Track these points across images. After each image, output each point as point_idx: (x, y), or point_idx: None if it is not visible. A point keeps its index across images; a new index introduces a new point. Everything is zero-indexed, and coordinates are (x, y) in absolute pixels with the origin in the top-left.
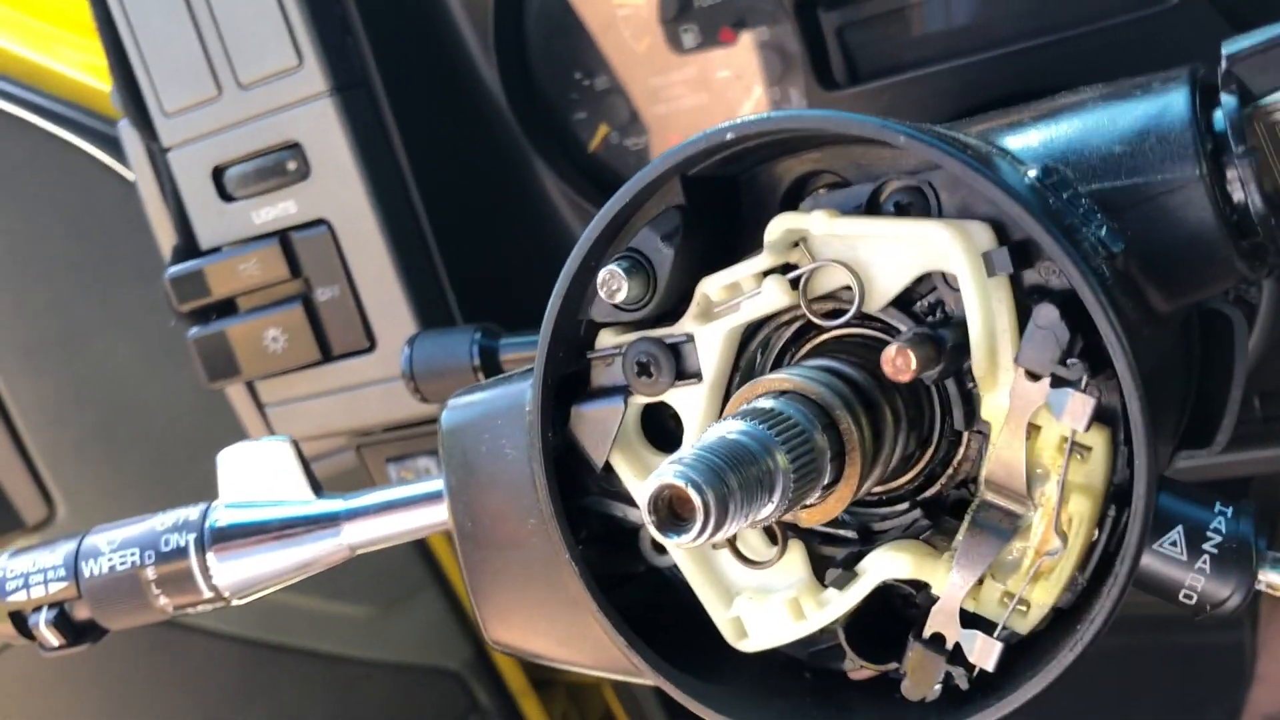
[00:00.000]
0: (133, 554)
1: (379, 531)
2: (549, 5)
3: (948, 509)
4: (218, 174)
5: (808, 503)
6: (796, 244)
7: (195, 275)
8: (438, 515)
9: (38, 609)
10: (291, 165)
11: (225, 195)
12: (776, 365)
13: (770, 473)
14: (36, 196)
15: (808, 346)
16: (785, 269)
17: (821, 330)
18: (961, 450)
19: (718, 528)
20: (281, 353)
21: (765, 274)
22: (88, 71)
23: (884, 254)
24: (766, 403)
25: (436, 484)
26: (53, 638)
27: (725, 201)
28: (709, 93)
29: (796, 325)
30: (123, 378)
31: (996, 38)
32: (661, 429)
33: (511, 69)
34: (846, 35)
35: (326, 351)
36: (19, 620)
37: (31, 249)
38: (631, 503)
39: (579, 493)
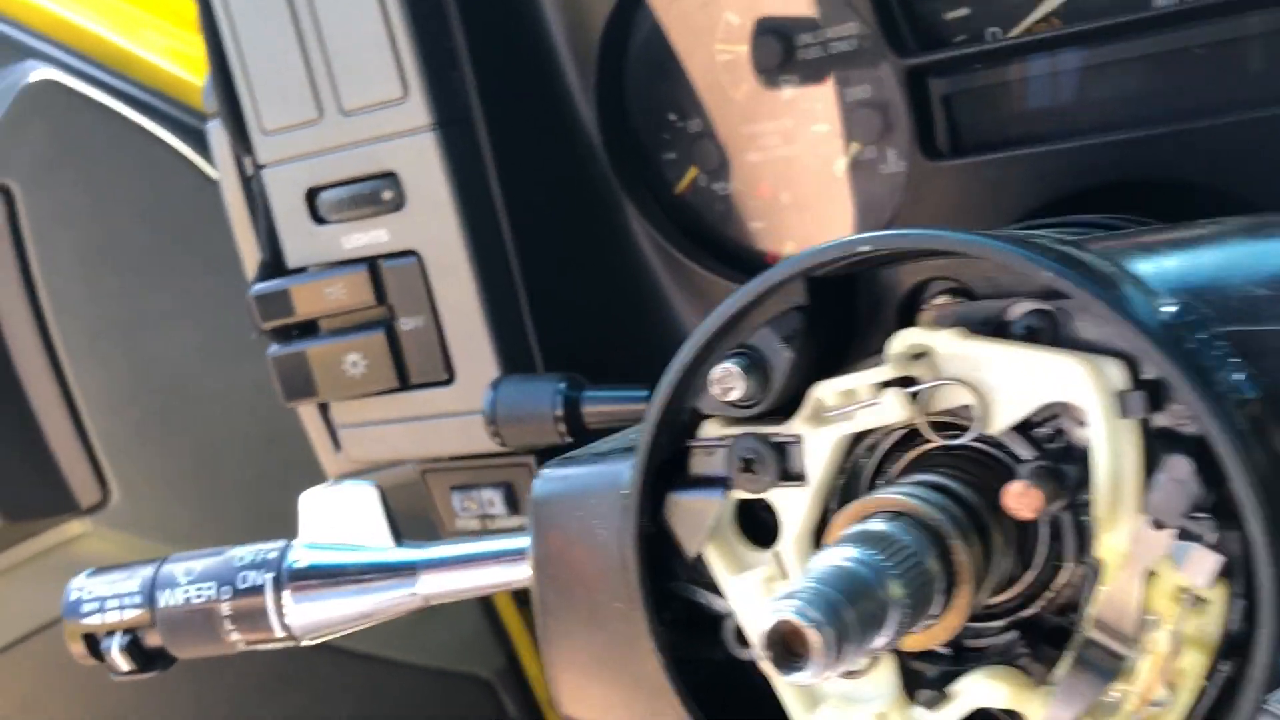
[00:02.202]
0: (209, 588)
1: (455, 585)
2: (650, 46)
3: (1045, 635)
4: (311, 195)
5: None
6: (917, 357)
7: (281, 294)
8: (515, 575)
9: (111, 633)
10: (387, 195)
11: (317, 217)
12: (879, 471)
13: (884, 605)
14: (114, 183)
15: (913, 454)
16: (904, 381)
17: (930, 440)
18: (1065, 576)
19: (835, 664)
20: (360, 377)
21: (883, 384)
22: (172, 59)
23: (1010, 379)
24: (878, 525)
25: (515, 542)
26: (124, 663)
27: (842, 302)
28: (803, 145)
29: (904, 432)
30: (184, 368)
31: (1109, 122)
32: (753, 520)
33: (609, 107)
34: (953, 104)
35: (404, 380)
36: (91, 642)
37: (106, 235)
38: (717, 591)
39: (664, 575)
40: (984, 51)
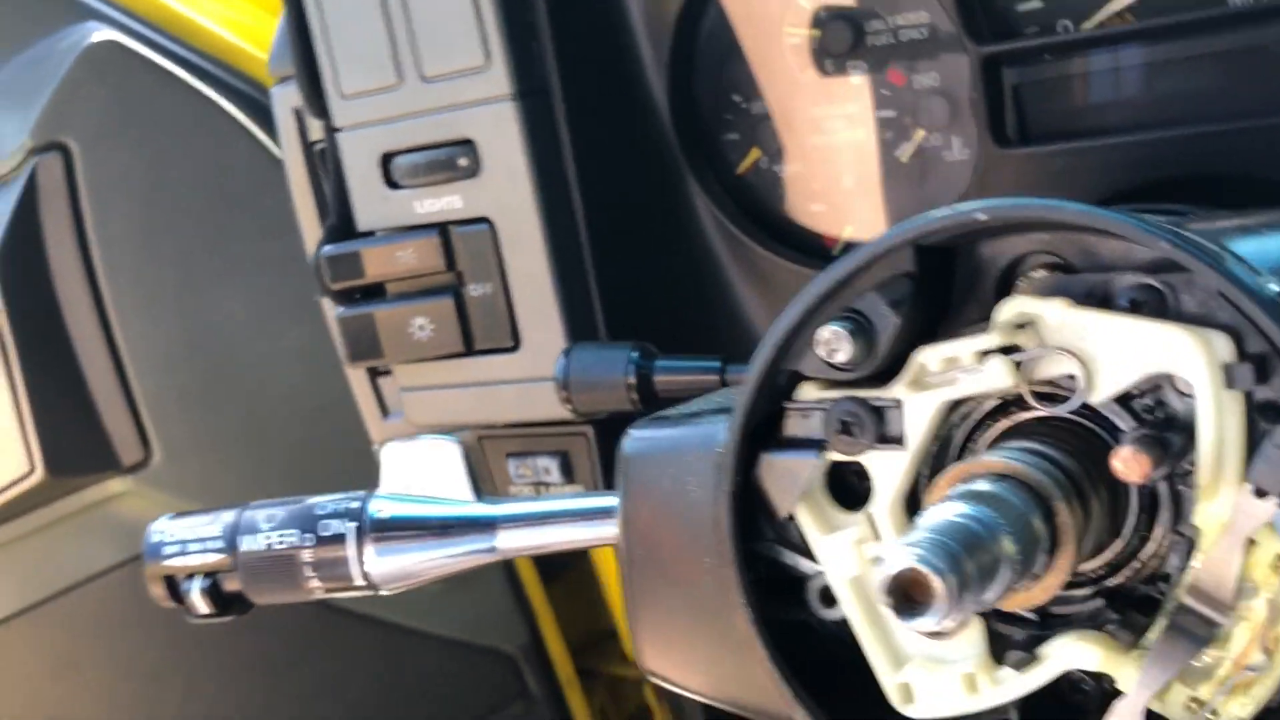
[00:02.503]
0: (292, 535)
1: (533, 540)
2: (721, 27)
3: (1133, 603)
4: (386, 160)
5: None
6: (1021, 326)
7: (351, 256)
8: (595, 533)
9: (190, 576)
10: (463, 161)
11: (391, 182)
12: (970, 438)
13: (997, 559)
14: (171, 147)
15: (1007, 422)
16: (1007, 349)
17: (1025, 408)
18: (1152, 546)
19: (954, 613)
20: (426, 341)
21: (986, 352)
22: (229, 27)
23: (1115, 349)
24: (985, 486)
25: (596, 501)
26: (203, 605)
27: (944, 271)
28: (868, 130)
29: (997, 401)
30: (232, 332)
31: (1178, 116)
32: (842, 484)
33: (679, 86)
34: (1023, 93)
35: (469, 345)
36: (171, 584)
37: (160, 198)
38: (804, 552)
39: (752, 536)
40: (1061, 43)
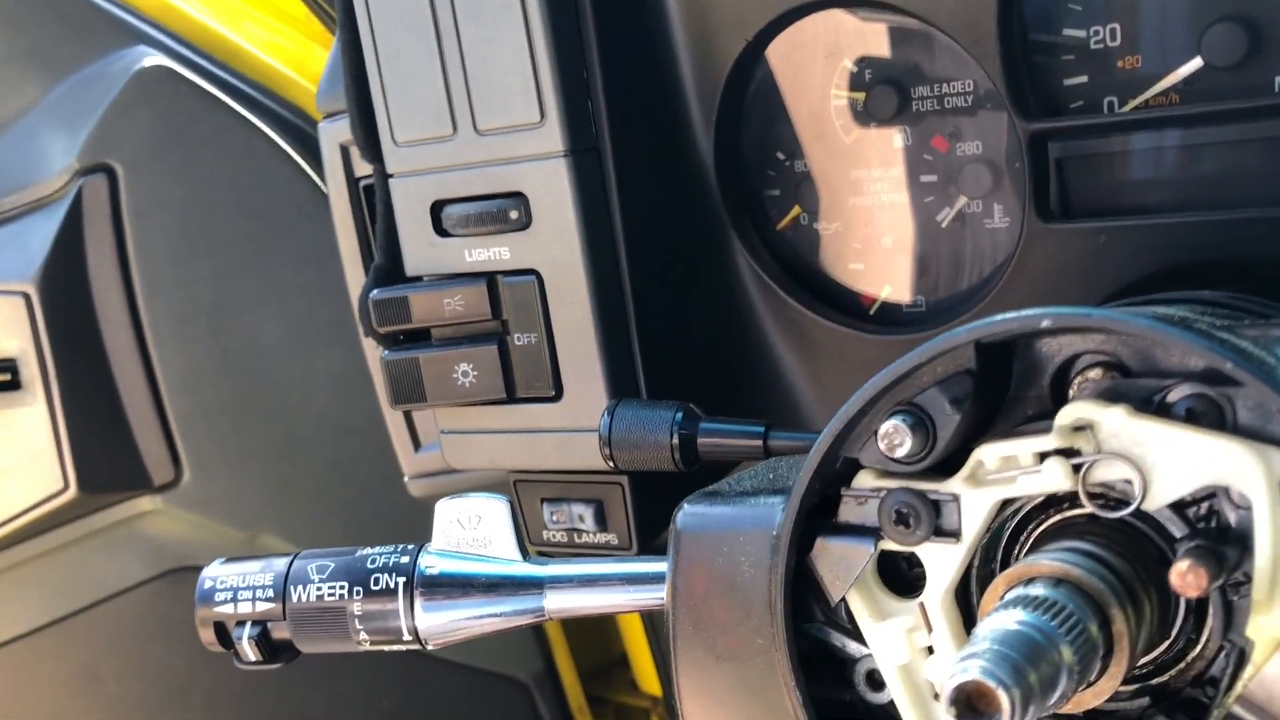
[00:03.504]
0: (341, 587)
1: (580, 603)
2: (768, 87)
3: (1180, 705)
4: (437, 208)
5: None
6: (1079, 429)
7: (400, 301)
8: (642, 598)
9: (241, 623)
10: (514, 214)
11: (441, 230)
12: (1020, 530)
13: (1058, 668)
14: (213, 171)
15: (1058, 517)
16: (1065, 451)
17: (1076, 504)
18: (1200, 649)
19: None
20: (469, 386)
21: (1044, 453)
22: (272, 53)
23: (1172, 458)
24: (1042, 591)
25: (644, 566)
26: (252, 653)
27: (1003, 364)
28: (910, 193)
29: (1046, 497)
30: (264, 355)
31: (1222, 199)
32: (892, 566)
33: (725, 143)
34: (1066, 167)
35: (511, 392)
36: (221, 629)
37: (200, 221)
38: (852, 635)
39: (802, 616)
40: (1110, 124)
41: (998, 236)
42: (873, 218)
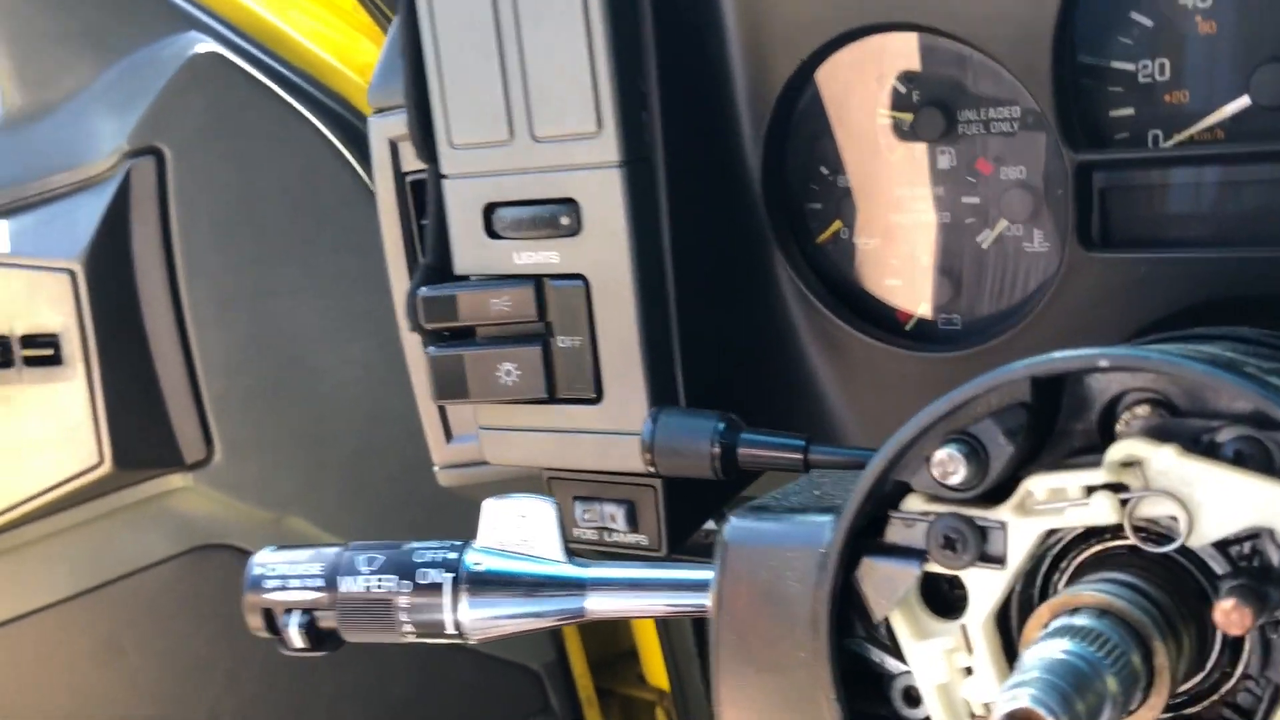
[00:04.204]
0: (390, 580)
1: (622, 605)
2: (818, 104)
3: None
4: (488, 210)
5: None
6: (1128, 464)
7: (448, 299)
8: (683, 604)
9: (289, 611)
10: (565, 220)
11: (492, 231)
12: (1061, 558)
13: (1103, 698)
14: (259, 158)
15: (1100, 547)
16: (1112, 485)
17: (1119, 536)
18: (1235, 683)
19: None
20: (511, 385)
21: (1092, 487)
22: (318, 41)
23: (1218, 499)
24: (1087, 621)
25: (686, 573)
26: (299, 640)
27: (1054, 397)
28: (952, 214)
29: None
30: (300, 341)
31: (1265, 234)
32: (933, 587)
33: (772, 157)
34: (1109, 197)
35: (552, 392)
36: (269, 616)
37: (244, 207)
38: (892, 652)
39: (843, 631)
40: (1158, 159)
41: (1036, 260)
42: (913, 236)
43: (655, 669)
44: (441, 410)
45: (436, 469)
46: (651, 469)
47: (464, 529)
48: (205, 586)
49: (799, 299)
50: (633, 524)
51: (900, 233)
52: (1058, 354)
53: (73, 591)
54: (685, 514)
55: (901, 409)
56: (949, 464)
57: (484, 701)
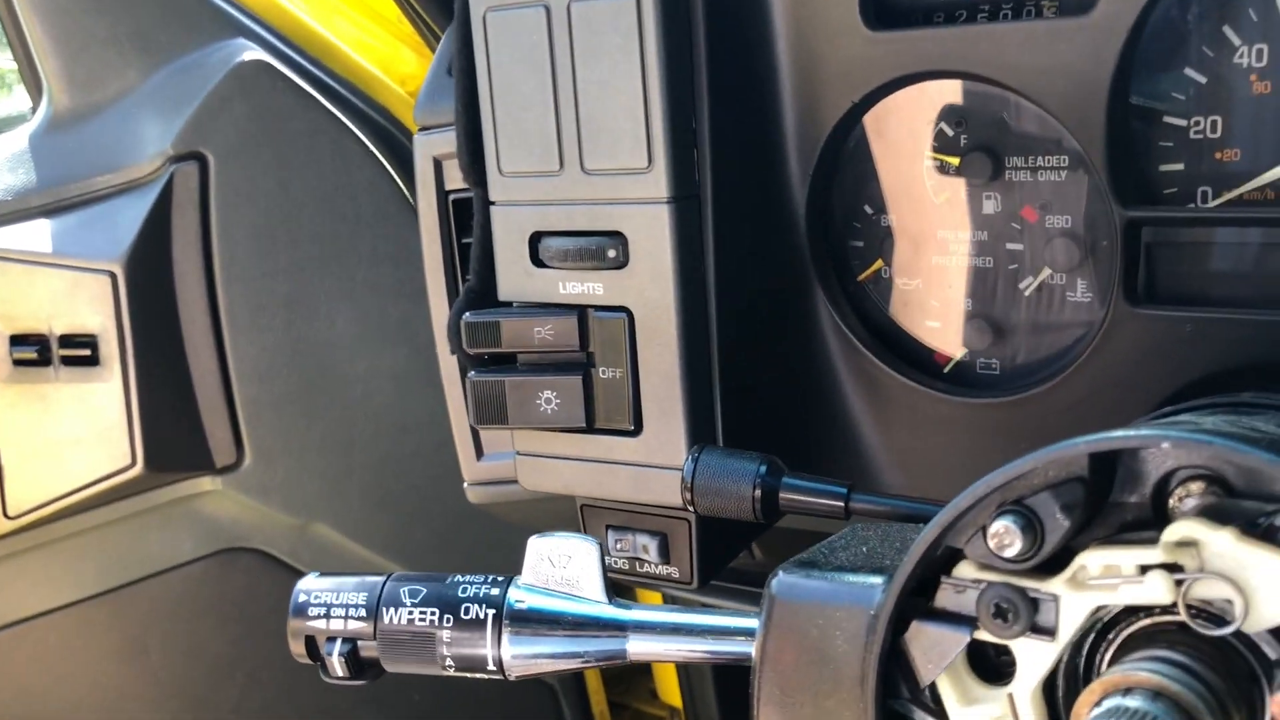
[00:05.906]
0: (433, 613)
1: (663, 649)
2: (864, 143)
3: None
4: (535, 239)
5: None
6: (1183, 544)
7: (492, 325)
8: (724, 651)
9: (332, 639)
10: (611, 253)
11: (537, 260)
12: (1107, 629)
13: None
14: (301, 167)
15: (1149, 622)
16: (1168, 565)
17: (1169, 612)
18: None
19: None
20: (550, 413)
21: (1147, 566)
22: (361, 51)
23: (1276, 584)
24: (1139, 704)
25: (728, 621)
26: (340, 669)
27: (1109, 470)
28: (995, 259)
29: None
30: (333, 349)
31: None
32: (979, 652)
33: (817, 197)
34: (1155, 253)
35: (591, 422)
36: (311, 644)
37: (284, 214)
38: (936, 715)
39: (889, 691)
40: (1206, 217)
41: (1078, 311)
42: (954, 278)
43: (668, 686)
44: (474, 428)
45: (466, 486)
46: (690, 508)
47: (488, 541)
48: (230, 589)
49: (838, 337)
50: (665, 556)
51: (941, 275)
52: (1117, 432)
53: (100, 589)
54: (717, 548)
55: (938, 451)
56: (1005, 536)
57: (500, 713)
